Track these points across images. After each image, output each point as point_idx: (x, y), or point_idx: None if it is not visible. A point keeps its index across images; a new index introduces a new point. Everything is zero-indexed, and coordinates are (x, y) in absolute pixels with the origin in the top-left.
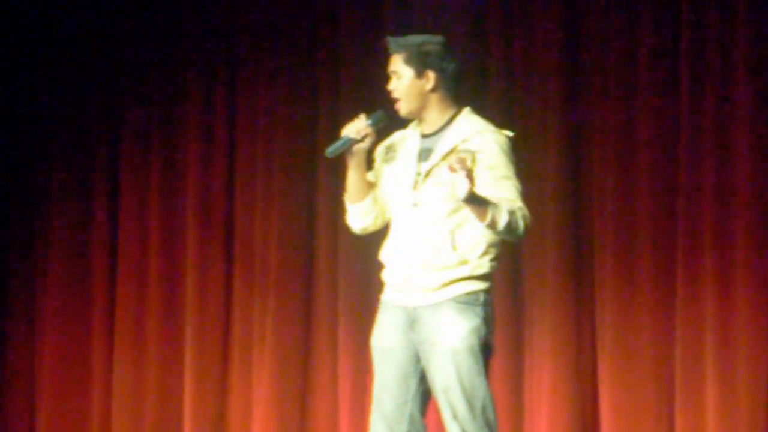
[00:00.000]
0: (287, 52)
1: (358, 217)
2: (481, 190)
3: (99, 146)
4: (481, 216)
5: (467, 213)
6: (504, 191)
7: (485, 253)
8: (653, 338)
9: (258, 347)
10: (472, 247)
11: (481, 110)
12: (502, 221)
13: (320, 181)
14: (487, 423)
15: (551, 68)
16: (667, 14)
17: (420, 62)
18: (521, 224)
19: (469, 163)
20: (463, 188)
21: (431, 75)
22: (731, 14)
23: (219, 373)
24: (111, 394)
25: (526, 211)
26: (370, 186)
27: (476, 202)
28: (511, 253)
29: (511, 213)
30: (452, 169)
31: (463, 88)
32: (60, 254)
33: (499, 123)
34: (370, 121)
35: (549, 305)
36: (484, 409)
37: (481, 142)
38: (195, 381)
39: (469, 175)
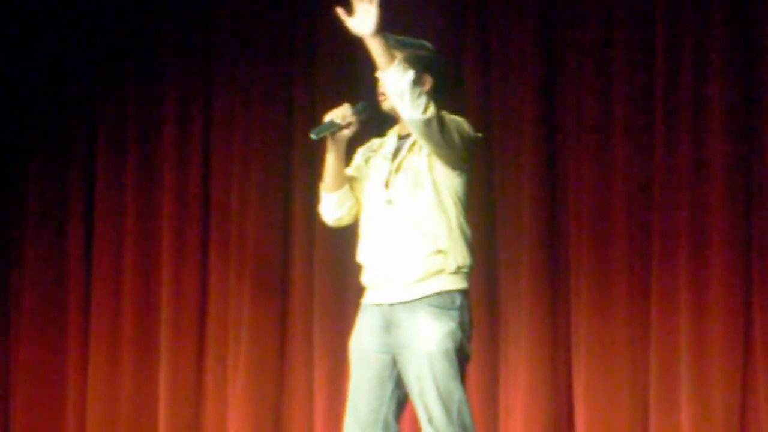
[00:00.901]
0: (264, 45)
1: (334, 206)
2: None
3: (75, 145)
4: (386, 60)
5: (442, 202)
6: None
7: (459, 242)
8: (628, 345)
9: (233, 353)
10: (447, 236)
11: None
12: (406, 77)
13: (296, 183)
14: (463, 427)
15: (527, 66)
16: (643, 8)
17: (420, 65)
18: (425, 101)
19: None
20: (370, 21)
21: (428, 80)
22: (707, 8)
23: (194, 379)
24: (86, 400)
25: (441, 114)
26: (347, 177)
27: (381, 42)
28: (486, 259)
29: (419, 90)
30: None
31: (449, 101)
32: (34, 259)
33: (475, 121)
34: (354, 110)
35: (524, 312)
36: (460, 413)
37: None
38: (170, 387)
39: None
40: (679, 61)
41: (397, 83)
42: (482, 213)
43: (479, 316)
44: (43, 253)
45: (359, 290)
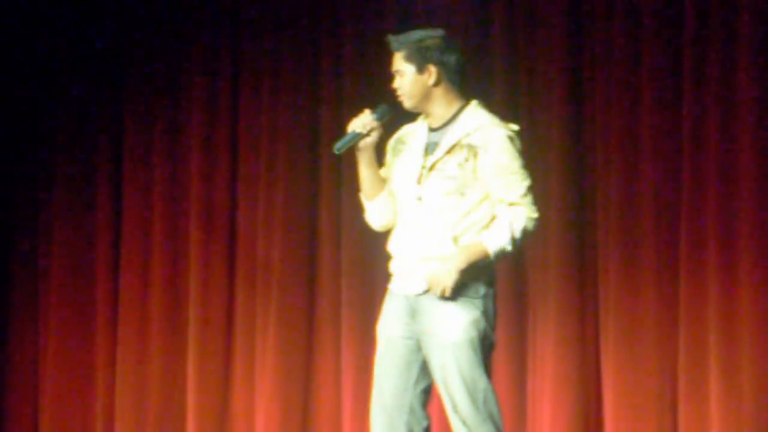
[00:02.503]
0: (290, 51)
1: (377, 213)
2: (486, 186)
3: (102, 147)
4: (485, 258)
5: (469, 206)
6: (506, 189)
7: None
8: (657, 333)
9: (261, 341)
10: (475, 234)
11: (483, 102)
12: (506, 246)
13: (323, 178)
14: (490, 415)
15: (555, 62)
16: (671, 11)
17: (420, 57)
18: (529, 228)
19: (436, 282)
20: (452, 280)
21: (432, 69)
22: (735, 11)
23: (222, 367)
24: (114, 389)
25: (527, 212)
26: (384, 182)
27: (471, 261)
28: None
29: (511, 235)
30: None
31: (469, 80)
32: (63, 252)
33: (504, 117)
34: (375, 116)
35: (552, 301)
36: (486, 402)
37: (482, 137)
38: (198, 375)
39: (444, 285)
40: (708, 57)
41: (509, 252)
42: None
43: (506, 304)
44: (71, 243)
45: (386, 278)
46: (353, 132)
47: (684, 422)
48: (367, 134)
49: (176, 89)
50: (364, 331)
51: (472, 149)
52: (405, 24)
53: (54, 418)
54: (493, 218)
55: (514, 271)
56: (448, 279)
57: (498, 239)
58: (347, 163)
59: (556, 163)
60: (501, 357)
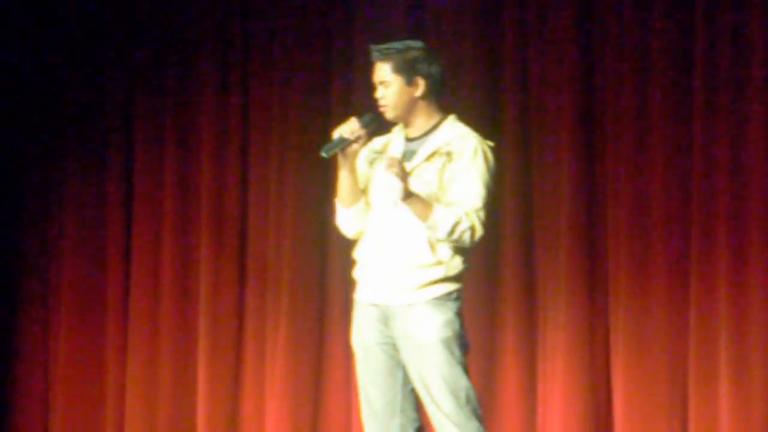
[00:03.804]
0: (300, 58)
1: (352, 221)
2: (448, 188)
3: (113, 149)
4: (422, 216)
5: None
6: (465, 196)
7: (459, 252)
8: (667, 333)
9: (271, 343)
10: (450, 247)
11: (493, 104)
12: (444, 227)
13: (333, 179)
14: (474, 412)
15: (565, 67)
16: (681, 6)
17: (409, 69)
18: (466, 234)
19: (399, 167)
20: (397, 188)
21: (420, 82)
22: (746, 4)
23: (232, 369)
24: (125, 391)
25: (475, 222)
26: (361, 191)
27: (414, 202)
28: (524, 245)
29: (456, 222)
30: (387, 169)
31: (447, 93)
32: (73, 255)
33: (512, 115)
34: (361, 123)
35: (562, 301)
36: (468, 400)
37: (461, 145)
38: (208, 376)
39: (402, 175)
40: (719, 49)
41: (435, 234)
42: (519, 202)
43: (517, 308)
44: (81, 247)
45: (354, 284)
46: (340, 138)
47: (694, 426)
48: (354, 141)
49: (187, 94)
50: None
51: (450, 155)
52: (416, 28)
53: (64, 422)
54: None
55: (524, 272)
56: (400, 171)
57: (443, 218)
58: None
59: (566, 166)
60: (511, 361)
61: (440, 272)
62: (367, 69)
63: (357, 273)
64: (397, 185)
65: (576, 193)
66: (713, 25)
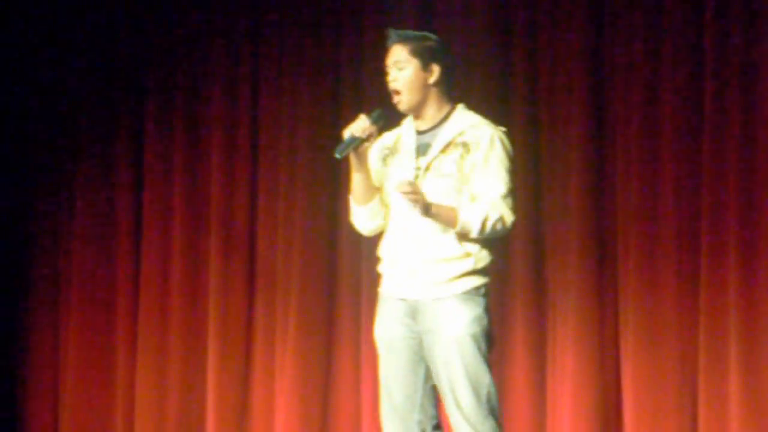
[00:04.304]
0: (310, 51)
1: (368, 219)
2: (470, 183)
3: (122, 149)
4: (450, 224)
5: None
6: (488, 187)
7: (486, 244)
8: (676, 328)
9: (281, 338)
10: (474, 238)
11: (504, 103)
12: (474, 226)
13: (343, 178)
14: (492, 411)
15: (576, 59)
16: (690, 12)
17: (426, 54)
18: (498, 225)
19: (410, 187)
20: (416, 209)
21: (436, 68)
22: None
23: (242, 364)
24: (134, 385)
25: (504, 211)
26: (376, 188)
27: (438, 214)
28: (534, 242)
29: (485, 218)
30: (402, 193)
31: (457, 87)
32: (83, 254)
33: (522, 107)
34: (371, 120)
35: (572, 296)
36: (488, 397)
37: (475, 135)
38: (218, 371)
39: (415, 196)
40: (729, 53)
41: (469, 236)
42: (529, 198)
43: (526, 304)
44: (92, 246)
45: (379, 278)
46: (352, 137)
47: (704, 420)
48: (366, 139)
49: (197, 91)
50: None
51: (466, 146)
52: (426, 23)
53: (74, 419)
54: None
55: (534, 272)
56: (423, 196)
57: (471, 217)
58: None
59: (575, 163)
60: (520, 357)
61: (469, 264)
62: (378, 68)
63: (383, 268)
64: (415, 206)
65: (585, 189)
66: (725, 13)
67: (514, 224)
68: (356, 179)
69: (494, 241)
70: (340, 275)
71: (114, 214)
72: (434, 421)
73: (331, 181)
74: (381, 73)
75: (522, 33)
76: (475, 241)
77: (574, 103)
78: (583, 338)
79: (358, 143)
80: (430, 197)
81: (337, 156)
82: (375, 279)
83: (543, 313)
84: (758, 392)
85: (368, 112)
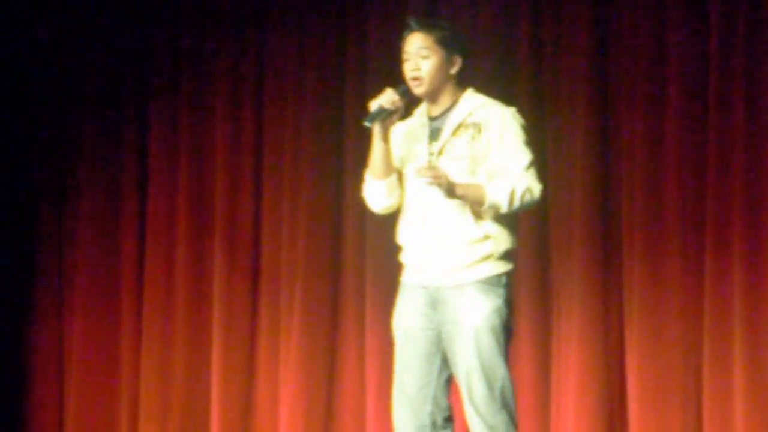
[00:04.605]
0: (315, 42)
1: (385, 194)
2: (488, 162)
3: (127, 148)
4: (478, 202)
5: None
6: (509, 162)
7: (507, 227)
8: (681, 323)
9: (285, 330)
10: (494, 221)
11: (509, 91)
12: (503, 200)
13: (347, 168)
14: (506, 405)
15: (580, 50)
16: (697, 8)
17: (451, 45)
18: (527, 196)
19: (431, 171)
20: (443, 190)
21: (458, 59)
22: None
23: (246, 356)
24: (139, 377)
25: (531, 181)
26: (393, 165)
27: (464, 194)
28: (539, 235)
29: (512, 191)
30: (424, 177)
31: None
32: (88, 244)
33: (527, 103)
34: (398, 93)
35: (577, 289)
36: (502, 391)
37: (485, 114)
38: (222, 365)
39: (439, 176)
40: (734, 39)
41: (500, 211)
42: None
43: (531, 294)
44: (97, 237)
45: (401, 268)
46: (380, 107)
47: (708, 414)
48: (395, 111)
49: (201, 99)
50: (387, 323)
51: (477, 126)
52: (430, 14)
53: (79, 409)
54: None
55: (539, 263)
56: (444, 178)
57: (498, 192)
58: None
59: (581, 158)
60: (525, 347)
61: (488, 248)
62: (381, 68)
63: (404, 257)
64: (440, 188)
65: (590, 182)
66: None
67: (543, 193)
68: (377, 152)
69: (514, 225)
70: (344, 269)
71: (119, 210)
72: (446, 414)
73: (335, 178)
74: (385, 70)
75: (527, 32)
76: (494, 223)
77: (579, 100)
78: (587, 332)
79: (386, 114)
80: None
81: (366, 124)
82: (379, 268)
83: (548, 306)
84: (763, 386)
85: (394, 87)
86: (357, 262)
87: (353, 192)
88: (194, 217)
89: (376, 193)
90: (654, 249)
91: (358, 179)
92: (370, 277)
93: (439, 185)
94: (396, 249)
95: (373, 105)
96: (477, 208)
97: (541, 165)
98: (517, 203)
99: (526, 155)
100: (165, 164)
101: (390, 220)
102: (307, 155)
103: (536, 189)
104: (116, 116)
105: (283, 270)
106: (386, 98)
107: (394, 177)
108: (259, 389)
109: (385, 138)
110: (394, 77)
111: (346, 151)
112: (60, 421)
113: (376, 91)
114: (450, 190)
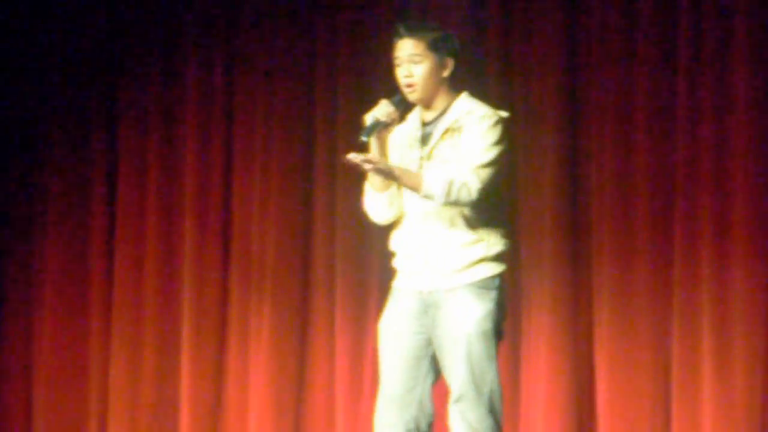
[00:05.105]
0: (285, 46)
1: (386, 205)
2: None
3: (96, 141)
4: (415, 188)
5: None
6: (465, 156)
7: (497, 228)
8: (650, 324)
9: (255, 331)
10: (486, 224)
11: (478, 94)
12: (438, 190)
13: (317, 174)
14: (492, 410)
15: (550, 50)
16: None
17: (443, 48)
18: (463, 192)
19: (360, 159)
20: (380, 173)
21: (450, 62)
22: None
23: (216, 359)
24: (108, 379)
25: (471, 178)
26: None
27: (402, 178)
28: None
29: (449, 182)
30: (354, 164)
31: (461, 75)
32: (57, 247)
33: (498, 104)
34: (393, 104)
35: (546, 290)
36: (490, 395)
37: (467, 120)
38: (192, 368)
39: (371, 160)
40: (702, 46)
41: (434, 201)
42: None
43: None
44: (66, 240)
45: (381, 273)
46: (376, 121)
47: (677, 414)
48: (390, 123)
49: (170, 89)
50: (357, 326)
51: (459, 129)
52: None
53: (48, 411)
54: (489, 200)
55: (509, 264)
56: (380, 161)
57: (435, 182)
58: (341, 157)
59: (550, 152)
60: None
61: (481, 251)
62: (352, 61)
63: (397, 263)
64: (377, 173)
65: (559, 183)
66: (699, 8)
67: (480, 193)
68: None
69: (507, 226)
70: (315, 270)
71: (88, 209)
72: (430, 420)
73: (305, 176)
74: (355, 67)
75: (497, 33)
76: (486, 225)
77: (549, 99)
78: (557, 333)
79: (381, 126)
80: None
81: (363, 139)
82: (349, 276)
83: (517, 307)
84: (731, 385)
85: (389, 97)
86: (327, 264)
87: (323, 196)
88: (164, 219)
89: (377, 205)
90: (623, 250)
91: (328, 184)
92: (341, 280)
93: (377, 171)
94: (367, 250)
95: (369, 118)
96: (457, 217)
97: (505, 172)
98: (453, 197)
99: (484, 155)
100: (134, 164)
101: (361, 225)
102: (276, 158)
103: (474, 187)
104: (84, 119)
105: (253, 272)
106: (381, 110)
107: (394, 187)
108: (228, 391)
109: (383, 150)
110: (365, 72)
111: (316, 152)
112: (28, 421)
113: (347, 90)
114: (387, 172)
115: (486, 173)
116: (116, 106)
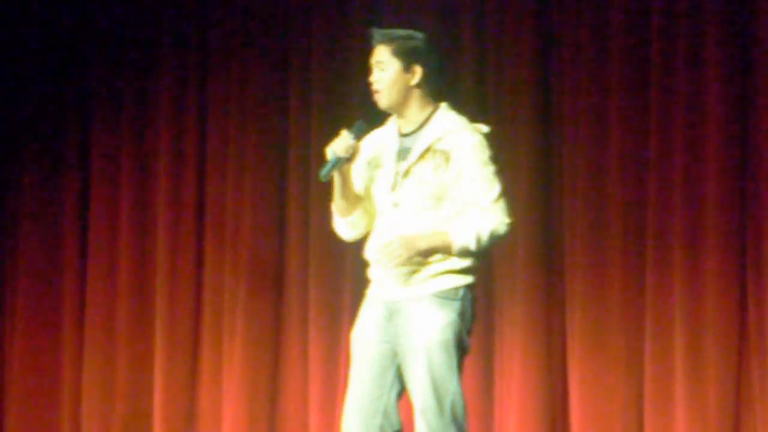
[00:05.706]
0: (259, 51)
1: (349, 229)
2: (460, 191)
3: (70, 138)
4: (447, 251)
5: (446, 210)
6: (476, 195)
7: None
8: (623, 335)
9: (228, 342)
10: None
11: (453, 102)
12: (471, 243)
13: (291, 176)
14: (455, 420)
15: (524, 61)
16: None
17: (408, 55)
18: (496, 232)
19: (392, 250)
20: (411, 259)
21: (418, 69)
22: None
23: (189, 369)
24: (81, 391)
25: (497, 217)
26: (358, 198)
27: (432, 247)
28: None
29: (478, 231)
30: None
31: (443, 87)
32: (29, 252)
33: (472, 115)
34: (353, 135)
35: (519, 302)
36: (452, 405)
37: (454, 141)
38: (165, 377)
39: (402, 251)
40: (675, 49)
41: (475, 253)
42: None
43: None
44: (37, 244)
45: (354, 282)
46: (336, 157)
47: (650, 422)
48: (350, 158)
49: (143, 95)
50: (331, 334)
51: (445, 155)
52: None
53: (20, 422)
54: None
55: (481, 276)
56: (403, 249)
57: (463, 237)
58: (316, 167)
59: (523, 171)
60: (468, 360)
61: (446, 264)
62: (325, 64)
63: (370, 272)
64: (408, 261)
65: (532, 196)
66: (671, 17)
67: (512, 226)
68: (338, 193)
69: None
70: (288, 280)
71: (60, 217)
72: (396, 428)
73: (278, 181)
74: (329, 65)
75: (470, 39)
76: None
77: (522, 111)
78: (530, 345)
79: (342, 163)
80: (407, 203)
81: (322, 179)
82: (322, 283)
83: (490, 319)
84: (703, 395)
85: (349, 128)
86: (301, 273)
87: (297, 202)
88: (137, 228)
89: (341, 227)
90: (596, 262)
91: (302, 195)
92: (314, 289)
93: (406, 258)
94: (341, 260)
95: (329, 152)
96: (426, 228)
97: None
98: (485, 241)
99: (494, 187)
100: (107, 170)
101: (335, 233)
102: (250, 146)
103: (503, 225)
104: (57, 122)
105: (227, 282)
106: (341, 145)
107: (358, 212)
108: (201, 401)
109: (346, 182)
110: (336, 67)
111: (289, 158)
112: None
113: (321, 87)
114: (416, 252)
115: (505, 203)
116: (89, 115)
